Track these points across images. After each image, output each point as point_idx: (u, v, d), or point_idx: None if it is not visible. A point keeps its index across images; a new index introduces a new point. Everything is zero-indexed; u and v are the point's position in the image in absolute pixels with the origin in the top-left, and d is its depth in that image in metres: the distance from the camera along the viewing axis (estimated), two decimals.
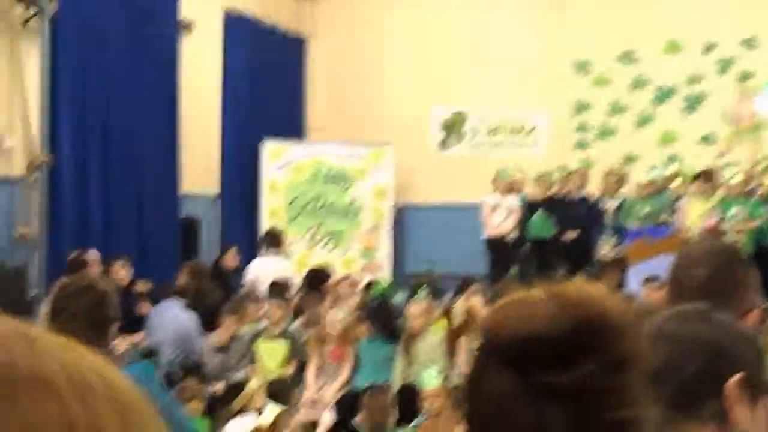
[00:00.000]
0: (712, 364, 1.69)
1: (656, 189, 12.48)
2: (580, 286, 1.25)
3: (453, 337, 8.42)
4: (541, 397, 1.16)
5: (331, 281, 10.63)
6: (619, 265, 12.18)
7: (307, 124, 15.10)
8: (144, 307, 9.43)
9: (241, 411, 7.15)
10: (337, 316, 8.36)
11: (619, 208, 12.37)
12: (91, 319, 3.66)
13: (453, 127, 14.64)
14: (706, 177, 12.27)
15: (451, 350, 8.29)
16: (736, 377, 1.68)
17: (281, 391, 6.99)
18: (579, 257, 12.32)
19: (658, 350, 1.27)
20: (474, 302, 8.58)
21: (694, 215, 11.96)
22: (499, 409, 1.18)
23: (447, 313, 8.98)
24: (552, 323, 1.17)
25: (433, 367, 7.92)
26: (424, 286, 9.77)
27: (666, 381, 1.26)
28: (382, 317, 8.47)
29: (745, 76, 13.51)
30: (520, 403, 1.16)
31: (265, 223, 13.17)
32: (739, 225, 11.77)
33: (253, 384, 7.50)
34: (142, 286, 10.04)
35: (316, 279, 10.64)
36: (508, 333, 1.19)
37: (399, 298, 11.31)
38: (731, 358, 1.71)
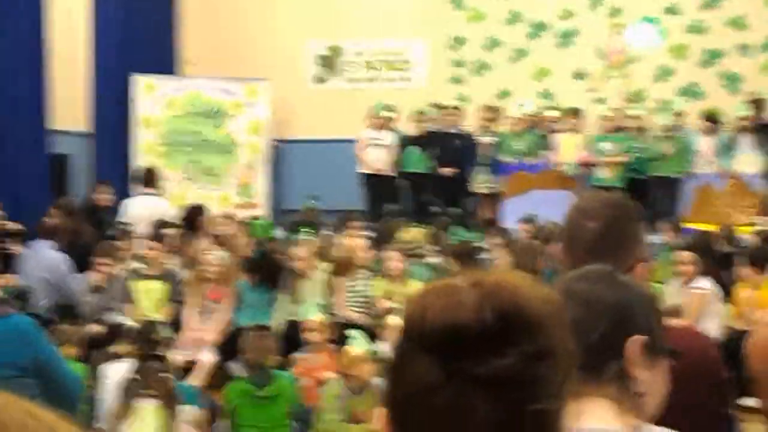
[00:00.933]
0: (615, 326, 1.74)
1: (530, 124, 12.68)
2: (503, 275, 1.25)
3: (334, 274, 8.44)
4: (464, 386, 1.16)
5: (209, 219, 10.49)
6: (494, 199, 12.42)
7: (180, 58, 14.75)
8: (14, 248, 9.11)
9: (118, 355, 6.98)
10: (216, 256, 8.26)
11: (494, 143, 12.51)
12: None
13: (329, 61, 14.60)
14: (578, 112, 12.52)
15: (330, 287, 8.32)
16: (637, 339, 1.73)
17: (151, 332, 6.86)
18: (455, 192, 12.47)
19: (567, 311, 1.28)
20: (354, 241, 8.60)
21: (567, 150, 12.19)
22: (421, 396, 1.17)
23: (325, 249, 8.99)
24: (475, 313, 1.17)
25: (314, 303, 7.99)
26: (307, 226, 9.72)
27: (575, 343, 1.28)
28: (264, 270, 8.40)
29: (615, 12, 13.70)
30: (443, 391, 1.16)
31: (138, 160, 12.89)
32: (610, 159, 12.06)
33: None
34: (11, 227, 9.71)
35: (194, 217, 10.49)
36: (432, 321, 1.18)
37: (278, 234, 11.28)
38: (633, 321, 1.76)
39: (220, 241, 9.47)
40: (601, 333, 1.72)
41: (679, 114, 12.51)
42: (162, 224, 9.85)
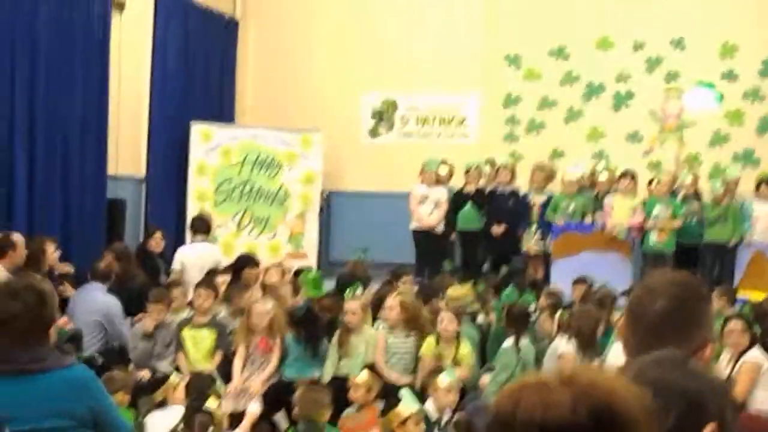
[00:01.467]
0: (689, 414, 1.75)
1: (583, 185, 12.62)
2: (594, 373, 1.25)
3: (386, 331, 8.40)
4: None
5: (260, 269, 10.52)
6: (544, 259, 12.35)
7: (237, 107, 14.95)
8: (67, 290, 9.22)
9: (163, 403, 7.00)
10: (265, 307, 8.27)
11: (546, 203, 12.46)
12: (33, 319, 3.58)
13: (383, 115, 14.68)
14: (632, 175, 12.42)
15: (378, 343, 8.28)
16: (710, 427, 1.74)
17: (203, 384, 6.89)
18: (505, 250, 12.42)
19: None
20: (405, 297, 8.55)
21: (619, 213, 12.10)
22: None
23: (377, 304, 8.96)
24: (570, 413, 1.18)
25: (362, 360, 7.96)
26: (356, 279, 9.70)
27: None
28: (308, 324, 8.40)
29: (671, 76, 13.66)
30: None
31: (192, 207, 13.03)
32: (663, 224, 11.94)
33: (174, 377, 7.34)
34: (65, 268, 9.83)
35: (243, 266, 10.51)
36: (523, 418, 1.18)
37: (326, 287, 11.26)
38: (706, 409, 1.77)
39: (269, 291, 9.46)
40: (674, 421, 1.73)
41: (733, 180, 12.36)
42: (213, 272, 9.90)
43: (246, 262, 10.51)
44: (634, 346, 2.44)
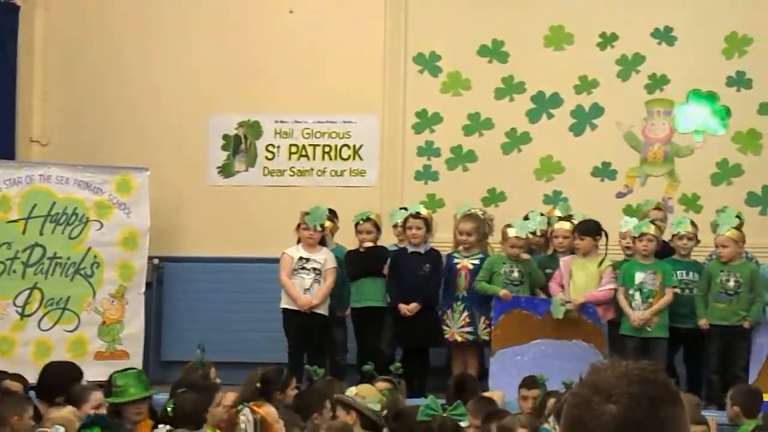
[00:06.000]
0: None
1: (533, 244, 12.79)
2: None
3: None
4: None
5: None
6: (477, 350, 12.23)
7: (19, 136, 14.62)
8: None
9: None
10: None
11: (478, 268, 12.38)
12: None
13: (241, 145, 14.64)
14: (597, 227, 12.24)
15: None
16: None
17: None
18: (420, 337, 12.65)
19: None
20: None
21: (580, 281, 12.12)
22: None
23: None
24: None
25: None
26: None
27: None
28: None
29: (656, 83, 13.83)
30: None
31: None
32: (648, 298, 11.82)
33: None
34: None
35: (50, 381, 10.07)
36: None
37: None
38: None
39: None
40: None
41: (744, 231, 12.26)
42: None
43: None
44: None
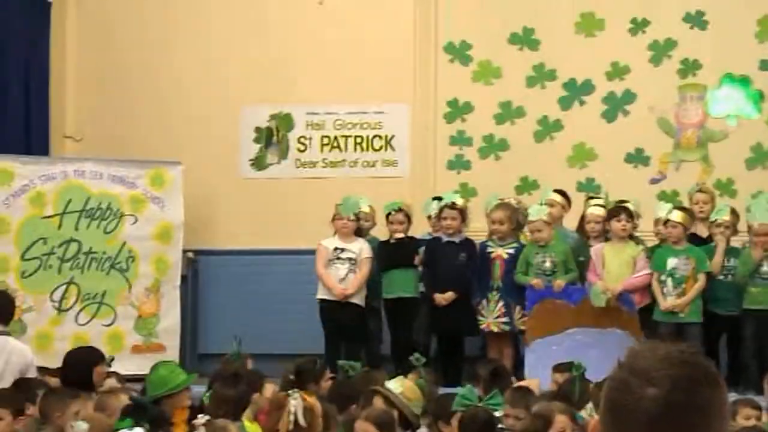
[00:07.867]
0: None
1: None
2: None
3: None
4: None
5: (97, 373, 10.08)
6: (512, 340, 12.21)
7: (53, 132, 14.67)
8: None
9: None
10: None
11: (514, 258, 12.43)
12: None
13: (273, 137, 14.62)
14: (629, 212, 12.23)
15: None
16: None
17: None
18: (454, 328, 12.65)
19: None
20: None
21: (613, 268, 12.05)
22: None
23: None
24: None
25: None
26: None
27: None
28: None
29: (688, 69, 13.77)
30: None
31: None
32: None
33: None
34: None
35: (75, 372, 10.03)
36: None
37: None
38: None
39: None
40: None
41: None
42: (22, 384, 9.48)
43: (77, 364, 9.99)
44: None
